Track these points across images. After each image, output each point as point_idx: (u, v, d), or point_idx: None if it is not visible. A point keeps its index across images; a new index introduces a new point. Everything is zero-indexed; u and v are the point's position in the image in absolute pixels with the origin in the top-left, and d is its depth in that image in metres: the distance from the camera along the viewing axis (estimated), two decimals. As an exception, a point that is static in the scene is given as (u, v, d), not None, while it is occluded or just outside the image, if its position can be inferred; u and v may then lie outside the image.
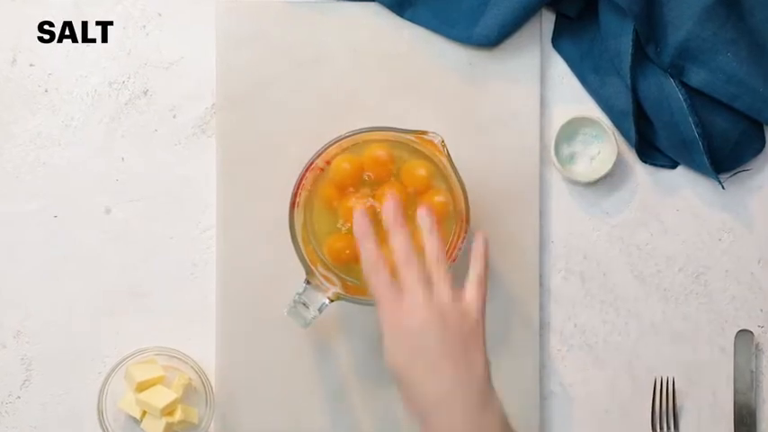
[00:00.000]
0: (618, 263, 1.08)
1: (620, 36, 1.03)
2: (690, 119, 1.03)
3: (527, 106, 1.07)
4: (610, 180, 1.08)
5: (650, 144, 1.08)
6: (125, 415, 1.05)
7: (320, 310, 0.95)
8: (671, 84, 1.03)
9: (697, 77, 1.03)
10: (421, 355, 0.81)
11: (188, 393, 1.04)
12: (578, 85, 1.08)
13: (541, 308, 1.07)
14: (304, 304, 0.95)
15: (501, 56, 1.07)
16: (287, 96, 1.06)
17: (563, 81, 1.09)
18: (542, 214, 1.08)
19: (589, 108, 1.08)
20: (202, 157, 1.07)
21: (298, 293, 0.95)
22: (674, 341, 1.08)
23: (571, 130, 1.07)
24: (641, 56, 1.04)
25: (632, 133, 1.06)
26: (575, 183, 1.08)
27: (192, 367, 1.03)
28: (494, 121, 1.07)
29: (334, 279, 0.97)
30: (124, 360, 1.03)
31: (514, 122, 1.07)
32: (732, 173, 1.08)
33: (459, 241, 0.97)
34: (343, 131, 0.97)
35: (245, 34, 1.06)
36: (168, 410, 1.02)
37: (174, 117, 1.08)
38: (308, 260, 0.95)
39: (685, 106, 1.03)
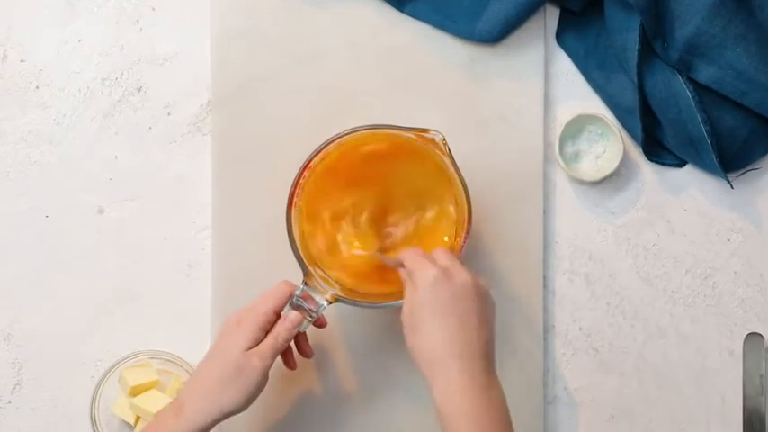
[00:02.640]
0: (624, 264, 1.08)
1: (626, 31, 1.03)
2: (698, 116, 1.02)
3: (530, 104, 1.06)
4: (615, 179, 1.08)
5: (657, 142, 1.08)
6: (118, 420, 1.05)
7: (318, 312, 0.94)
8: (678, 80, 1.03)
9: (705, 74, 1.03)
10: (451, 308, 0.87)
11: (183, 398, 1.03)
12: (583, 82, 1.08)
13: (545, 310, 1.07)
14: (301, 306, 0.93)
15: (504, 52, 1.07)
16: (284, 93, 1.06)
17: (567, 78, 1.08)
18: (546, 214, 1.07)
19: (594, 105, 1.08)
20: (198, 155, 1.07)
21: (295, 295, 0.94)
22: (681, 344, 1.08)
23: (576, 127, 1.07)
24: (648, 52, 1.03)
25: (638, 131, 1.05)
26: (579, 182, 1.08)
27: (187, 371, 1.03)
28: (496, 119, 1.06)
29: (333, 281, 0.95)
30: (117, 364, 1.03)
31: (517, 120, 1.06)
32: (741, 172, 1.07)
33: (462, 240, 0.96)
34: (341, 129, 0.97)
35: (242, 29, 1.06)
36: (162, 415, 1.01)
37: (169, 114, 1.07)
38: (305, 261, 0.94)
39: (693, 103, 1.02)
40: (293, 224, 0.95)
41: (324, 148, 0.96)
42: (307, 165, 0.95)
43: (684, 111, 1.03)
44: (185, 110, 1.07)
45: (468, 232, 0.96)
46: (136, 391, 1.02)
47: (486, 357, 0.87)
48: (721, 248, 1.08)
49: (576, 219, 1.08)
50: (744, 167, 1.07)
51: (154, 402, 1.01)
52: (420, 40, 1.06)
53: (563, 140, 1.06)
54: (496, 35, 1.05)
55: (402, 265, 0.92)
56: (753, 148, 1.06)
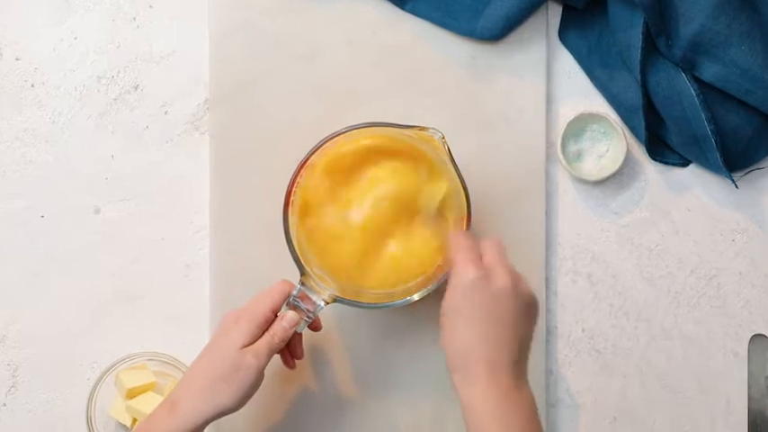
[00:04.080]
0: (627, 265, 1.07)
1: (629, 29, 1.02)
2: (702, 115, 1.02)
3: (533, 102, 1.06)
4: (619, 179, 1.07)
5: (661, 141, 1.07)
6: (115, 422, 1.04)
7: (316, 312, 0.94)
8: (682, 78, 1.02)
9: (709, 72, 1.02)
10: (487, 313, 0.87)
11: (180, 400, 1.03)
12: (586, 80, 1.08)
13: (548, 311, 1.07)
14: (299, 306, 0.93)
15: (505, 50, 1.06)
16: (283, 92, 1.05)
17: (570, 76, 1.08)
18: (549, 214, 1.07)
19: (597, 104, 1.07)
20: (195, 154, 1.06)
21: (293, 295, 0.93)
22: (685, 346, 1.08)
23: (578, 126, 1.06)
24: (651, 49, 1.02)
25: (642, 130, 1.05)
26: (582, 181, 1.07)
27: (184, 373, 1.01)
28: (498, 118, 1.06)
29: (331, 280, 0.95)
30: (114, 366, 1.02)
31: (519, 119, 1.06)
32: (746, 171, 1.07)
33: None
34: (340, 128, 0.96)
35: (240, 27, 1.05)
36: (159, 418, 1.00)
37: (166, 113, 1.07)
38: (302, 261, 0.94)
39: (697, 101, 1.02)
40: (290, 223, 0.94)
41: (321, 146, 0.95)
42: (304, 163, 0.95)
43: (688, 109, 1.02)
44: (182, 108, 1.06)
45: (467, 230, 0.95)
46: (132, 394, 1.02)
47: (516, 362, 0.87)
48: (726, 249, 1.08)
49: (578, 219, 1.07)
50: (748, 167, 1.07)
51: (150, 405, 1.00)
52: (421, 37, 1.06)
53: (565, 139, 1.06)
54: (498, 33, 1.04)
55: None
56: (757, 147, 1.06)
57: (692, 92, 1.02)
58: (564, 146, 1.05)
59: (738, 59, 1.01)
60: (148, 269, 1.06)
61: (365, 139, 0.96)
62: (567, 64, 1.08)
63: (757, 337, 1.07)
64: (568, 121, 1.05)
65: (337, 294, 0.94)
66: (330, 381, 1.05)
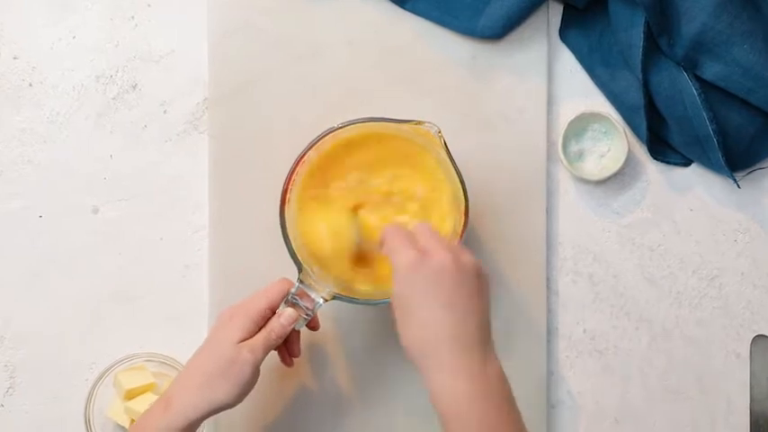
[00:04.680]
0: (629, 265, 1.07)
1: (630, 28, 1.02)
2: (704, 114, 1.02)
3: (533, 101, 1.06)
4: (620, 178, 1.07)
5: (662, 141, 1.07)
6: (113, 424, 1.04)
7: (314, 309, 0.94)
8: (684, 77, 1.02)
9: (711, 71, 1.02)
10: (434, 291, 0.83)
11: (179, 401, 1.03)
12: (587, 80, 1.07)
13: (549, 312, 1.06)
14: (297, 303, 0.92)
15: (506, 49, 1.06)
16: (282, 91, 1.05)
17: (571, 75, 1.08)
18: (549, 214, 1.06)
19: (598, 103, 1.07)
20: (194, 154, 1.06)
21: (291, 293, 0.93)
22: (687, 347, 1.07)
23: (580, 126, 1.06)
24: (653, 48, 1.02)
25: (643, 129, 1.04)
26: (583, 181, 1.07)
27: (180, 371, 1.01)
28: (499, 117, 1.05)
29: (331, 277, 0.95)
30: (112, 366, 1.02)
31: (520, 118, 1.06)
32: (748, 171, 1.07)
33: (460, 235, 0.95)
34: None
35: (239, 26, 1.05)
36: (158, 419, 1.00)
37: (165, 112, 1.06)
38: (300, 259, 0.94)
39: (699, 101, 1.02)
40: (287, 220, 0.94)
41: (317, 141, 0.94)
42: (300, 159, 0.94)
43: (690, 108, 1.02)
44: (181, 108, 1.06)
45: (465, 226, 0.94)
46: (131, 395, 1.01)
47: (479, 334, 0.83)
48: (728, 249, 1.07)
49: (579, 219, 1.07)
50: (751, 166, 1.07)
51: (149, 405, 0.99)
52: (421, 37, 1.05)
53: (566, 139, 1.05)
54: (499, 32, 1.04)
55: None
56: (760, 147, 1.05)
57: (694, 91, 1.01)
58: (565, 145, 1.05)
59: (740, 58, 1.01)
60: (147, 269, 1.06)
61: (362, 134, 0.95)
62: (568, 63, 1.07)
63: (759, 338, 1.07)
64: (569, 120, 1.05)
65: (336, 292, 0.93)
66: (329, 379, 1.05)
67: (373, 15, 1.05)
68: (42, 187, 1.05)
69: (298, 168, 0.94)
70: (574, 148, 1.06)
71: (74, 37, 1.06)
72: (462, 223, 0.95)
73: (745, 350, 1.07)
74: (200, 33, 1.05)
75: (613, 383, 1.07)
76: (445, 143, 0.94)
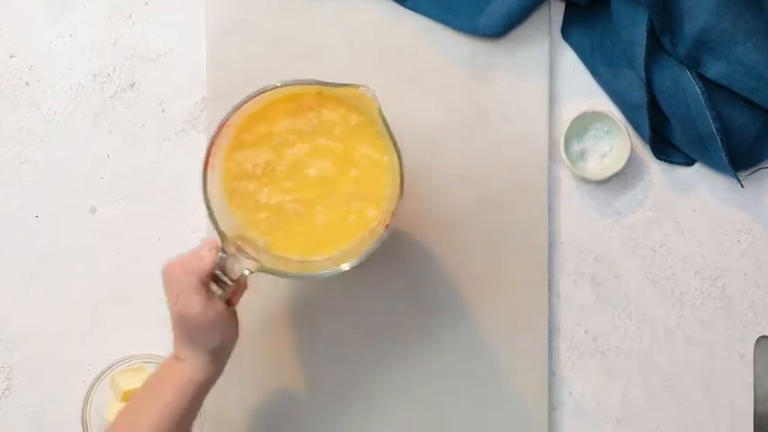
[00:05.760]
0: (631, 265, 1.07)
1: (633, 26, 1.01)
2: (707, 113, 1.01)
3: (535, 100, 1.05)
4: (622, 178, 1.07)
5: (665, 140, 1.07)
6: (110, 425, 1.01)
7: (240, 280, 0.90)
8: (687, 76, 1.02)
9: (714, 69, 1.01)
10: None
11: (177, 403, 1.02)
12: (589, 78, 1.07)
13: (550, 312, 1.06)
14: (221, 275, 0.90)
15: (508, 47, 1.05)
16: (282, 90, 1.03)
17: (573, 74, 1.07)
18: (551, 214, 1.06)
19: (601, 102, 1.07)
20: (193, 153, 1.06)
21: (216, 263, 0.89)
22: (689, 348, 1.07)
23: (582, 125, 1.06)
24: (656, 47, 1.02)
25: (646, 128, 1.04)
26: (585, 181, 1.06)
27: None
28: (500, 117, 1.05)
29: (261, 245, 0.92)
30: (110, 368, 1.02)
31: (522, 117, 1.05)
32: (751, 170, 1.07)
33: (397, 200, 0.90)
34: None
35: (238, 24, 1.04)
36: (156, 421, 1.00)
37: (163, 111, 1.06)
38: (221, 229, 0.89)
39: (702, 100, 1.01)
40: (208, 188, 0.89)
41: (244, 104, 0.90)
42: (224, 123, 0.89)
43: (693, 107, 1.02)
44: (180, 107, 1.06)
45: (401, 191, 0.90)
46: (128, 396, 1.01)
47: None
48: (731, 249, 1.07)
49: (581, 219, 1.07)
50: (754, 165, 1.06)
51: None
52: (421, 35, 1.05)
53: (568, 138, 1.05)
54: (500, 30, 1.04)
55: None
56: (763, 146, 1.05)
57: (697, 90, 1.01)
58: (567, 145, 1.05)
59: (743, 57, 1.00)
60: (145, 270, 1.05)
61: (293, 96, 0.92)
62: (570, 62, 1.07)
63: (763, 339, 1.06)
64: (571, 119, 1.04)
65: (262, 264, 0.90)
66: (329, 387, 1.04)
67: (374, 14, 1.05)
68: (40, 187, 1.05)
69: (222, 130, 0.89)
70: (576, 147, 1.06)
71: (71, 35, 1.06)
72: (398, 186, 0.90)
73: (748, 351, 1.06)
74: (198, 32, 1.05)
75: (615, 385, 1.06)
76: (380, 109, 0.89)
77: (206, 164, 0.89)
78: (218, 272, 0.89)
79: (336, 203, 0.92)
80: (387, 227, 0.89)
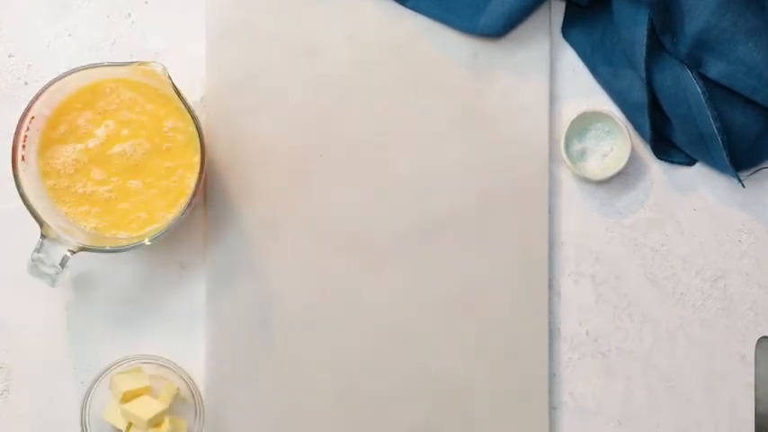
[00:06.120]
0: (631, 265, 1.06)
1: (634, 26, 1.01)
2: (708, 113, 1.01)
3: (535, 100, 1.05)
4: (623, 178, 1.07)
5: (666, 140, 1.06)
6: (110, 427, 1.03)
7: (62, 264, 0.93)
8: (688, 76, 1.01)
9: (715, 69, 1.01)
10: None
11: (176, 404, 1.03)
12: (590, 78, 1.07)
13: (550, 313, 1.06)
14: (43, 261, 0.93)
15: (508, 47, 1.05)
16: (280, 90, 1.04)
17: (574, 73, 1.07)
18: (551, 214, 1.06)
19: (601, 102, 1.07)
20: (192, 153, 1.04)
21: (35, 250, 0.93)
22: (690, 348, 1.07)
23: (582, 125, 1.05)
24: (657, 46, 1.02)
25: (647, 128, 1.04)
26: (586, 181, 1.06)
27: (180, 376, 1.02)
28: (500, 116, 1.05)
29: (75, 229, 0.96)
30: (108, 369, 1.01)
31: (522, 117, 1.05)
32: (752, 170, 1.06)
33: (199, 173, 0.95)
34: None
35: (237, 24, 1.04)
36: (155, 422, 1.01)
37: (162, 111, 1.05)
38: (39, 215, 0.93)
39: (703, 99, 1.01)
40: (21, 180, 0.93)
41: (41, 93, 0.93)
42: (26, 114, 0.93)
43: (694, 107, 1.01)
44: (179, 106, 1.05)
45: (203, 161, 0.94)
46: (127, 398, 1.01)
47: None
48: (732, 249, 1.07)
49: (581, 219, 1.06)
50: (755, 165, 1.06)
51: (146, 408, 1.00)
52: (421, 35, 1.05)
53: (569, 138, 1.05)
54: (500, 29, 1.04)
55: None
56: (764, 146, 1.05)
57: (698, 89, 1.01)
58: (567, 145, 1.04)
59: (745, 57, 1.00)
60: (143, 269, 1.05)
61: (87, 80, 0.95)
62: (570, 61, 1.07)
63: (764, 340, 1.06)
64: (572, 119, 1.04)
65: (83, 243, 0.93)
66: (329, 386, 1.04)
67: (373, 13, 1.04)
68: (38, 187, 1.04)
69: (27, 123, 0.93)
70: (576, 147, 1.06)
71: (70, 35, 1.05)
72: (199, 153, 0.94)
73: (749, 352, 1.06)
74: (197, 31, 1.05)
75: (616, 385, 1.06)
76: (173, 81, 0.92)
77: (14, 159, 0.93)
78: (42, 258, 0.92)
79: (156, 178, 0.96)
80: (189, 205, 0.94)
